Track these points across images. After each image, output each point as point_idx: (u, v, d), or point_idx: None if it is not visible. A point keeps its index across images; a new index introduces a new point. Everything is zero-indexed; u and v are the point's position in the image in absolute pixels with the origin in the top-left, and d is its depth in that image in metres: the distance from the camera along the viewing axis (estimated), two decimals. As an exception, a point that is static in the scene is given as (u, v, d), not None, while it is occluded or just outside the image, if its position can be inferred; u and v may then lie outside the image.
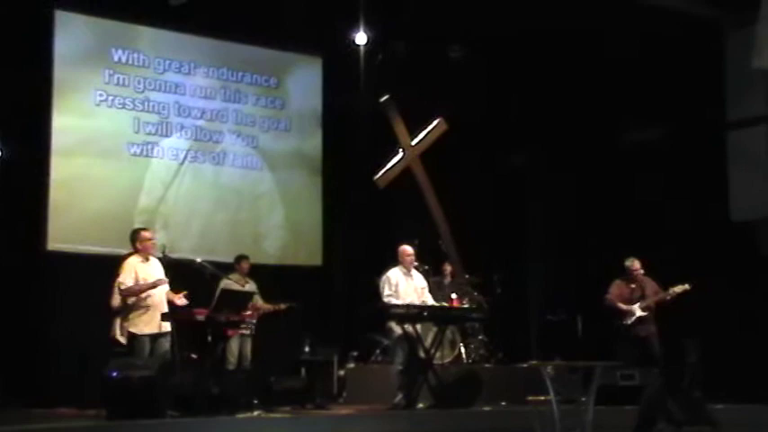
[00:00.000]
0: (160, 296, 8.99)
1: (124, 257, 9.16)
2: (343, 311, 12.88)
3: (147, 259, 9.07)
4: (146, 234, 9.18)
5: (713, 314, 10.97)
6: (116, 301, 9.81)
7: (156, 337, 8.90)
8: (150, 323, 8.87)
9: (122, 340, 9.64)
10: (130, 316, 8.87)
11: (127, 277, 8.89)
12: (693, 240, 11.61)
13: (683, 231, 11.75)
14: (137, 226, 9.88)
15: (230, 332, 9.79)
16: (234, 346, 10.39)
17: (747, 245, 11.55)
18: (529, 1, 11.63)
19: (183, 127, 12.28)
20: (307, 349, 11.33)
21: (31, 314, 10.77)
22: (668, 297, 10.34)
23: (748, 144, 11.71)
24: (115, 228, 11.24)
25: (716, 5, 11.66)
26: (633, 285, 10.53)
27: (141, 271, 8.95)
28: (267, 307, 10.61)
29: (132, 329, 8.86)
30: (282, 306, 10.63)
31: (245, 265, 10.85)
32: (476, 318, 11.13)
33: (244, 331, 10.37)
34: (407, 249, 10.02)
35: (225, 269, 10.34)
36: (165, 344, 8.94)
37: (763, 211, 11.46)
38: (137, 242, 9.11)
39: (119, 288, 9.00)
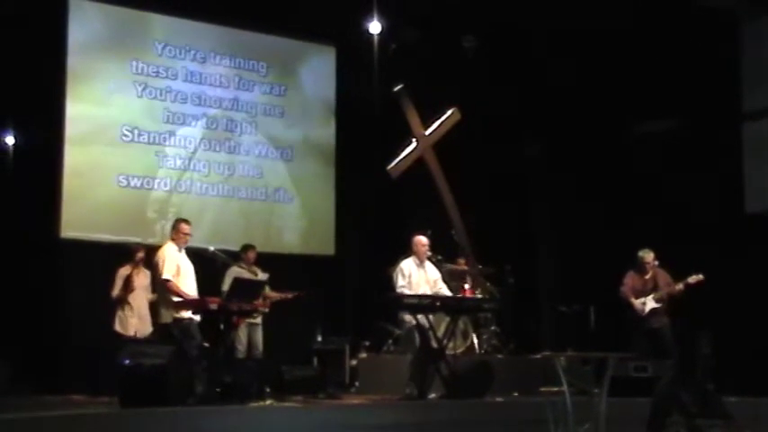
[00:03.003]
0: (193, 285, 9.02)
1: (158, 247, 9.19)
2: (355, 301, 12.88)
3: (181, 249, 9.09)
4: (185, 227, 9.14)
5: (727, 306, 10.92)
6: (116, 291, 9.98)
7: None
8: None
9: (121, 329, 10.00)
10: (173, 304, 8.86)
11: (171, 269, 8.85)
12: (707, 232, 11.55)
13: (698, 223, 11.68)
14: (177, 217, 9.89)
15: (237, 321, 9.79)
16: (242, 334, 10.38)
17: (762, 237, 11.49)
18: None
19: (196, 115, 12.29)
20: (319, 338, 11.34)
21: (45, 301, 10.81)
22: (682, 287, 10.29)
23: (764, 135, 11.62)
24: (128, 216, 11.29)
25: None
26: (647, 277, 10.49)
27: (181, 262, 8.97)
28: (275, 295, 10.61)
29: (180, 315, 8.85)
30: (290, 294, 10.63)
31: (251, 255, 10.84)
32: (488, 308, 11.08)
33: (252, 320, 10.35)
34: (422, 239, 9.93)
35: (236, 258, 10.35)
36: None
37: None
38: (174, 232, 9.13)
39: (165, 280, 8.84)
